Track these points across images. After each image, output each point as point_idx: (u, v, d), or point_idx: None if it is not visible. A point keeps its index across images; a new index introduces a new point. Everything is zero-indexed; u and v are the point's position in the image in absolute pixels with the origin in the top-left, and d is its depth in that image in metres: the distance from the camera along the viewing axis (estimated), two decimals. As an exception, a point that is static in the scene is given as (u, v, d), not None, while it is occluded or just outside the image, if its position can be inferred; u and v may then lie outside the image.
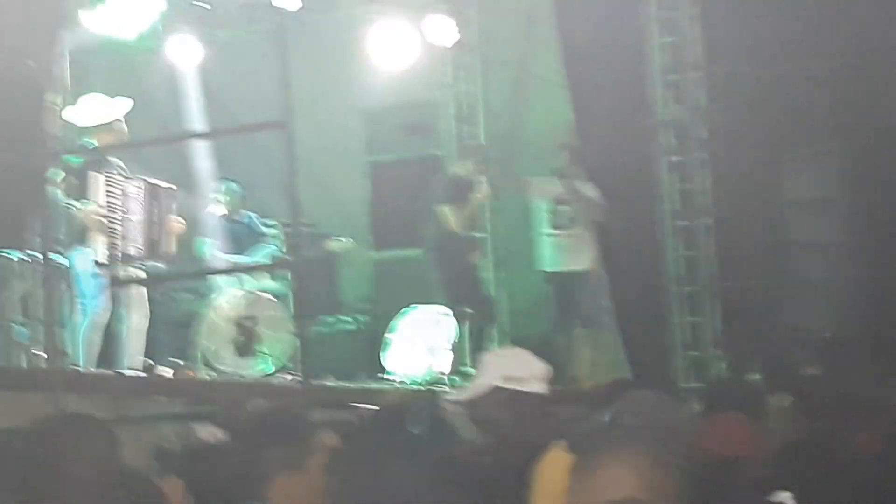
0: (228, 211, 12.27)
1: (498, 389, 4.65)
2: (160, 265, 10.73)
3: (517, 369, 4.72)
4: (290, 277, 11.67)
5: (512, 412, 4.69)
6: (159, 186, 10.48)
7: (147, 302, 10.45)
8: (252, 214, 12.54)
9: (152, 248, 10.34)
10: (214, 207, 12.24)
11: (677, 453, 2.80)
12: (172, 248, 10.59)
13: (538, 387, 4.79)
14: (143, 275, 10.45)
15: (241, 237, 12.27)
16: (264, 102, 10.04)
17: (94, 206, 9.98)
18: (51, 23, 10.22)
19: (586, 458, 2.94)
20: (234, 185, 12.34)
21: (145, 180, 10.41)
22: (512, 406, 4.73)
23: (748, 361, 10.63)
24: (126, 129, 10.34)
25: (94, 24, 11.87)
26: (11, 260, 9.62)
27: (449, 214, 11.93)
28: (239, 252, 12.06)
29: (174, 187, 10.71)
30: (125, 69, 13.54)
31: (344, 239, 12.98)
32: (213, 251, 11.99)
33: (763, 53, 13.26)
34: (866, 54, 13.09)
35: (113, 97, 10.76)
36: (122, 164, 10.30)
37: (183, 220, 10.72)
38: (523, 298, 13.43)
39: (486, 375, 4.79)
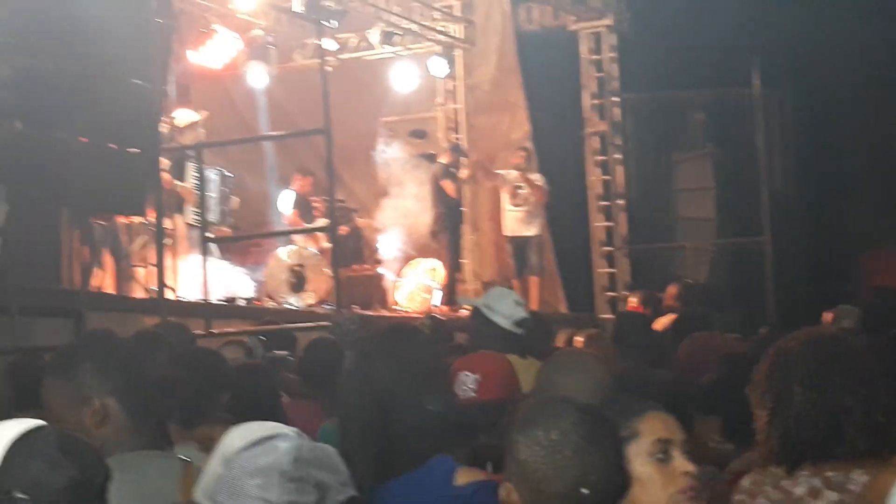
0: (306, 192, 13.13)
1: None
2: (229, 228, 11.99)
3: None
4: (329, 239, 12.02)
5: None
6: (225, 173, 11.84)
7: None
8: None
9: (224, 215, 11.74)
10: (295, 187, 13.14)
11: None
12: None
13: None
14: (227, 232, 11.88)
15: (310, 212, 12.86)
16: (311, 116, 10.53)
17: (188, 184, 11.35)
18: (163, 55, 11.32)
19: None
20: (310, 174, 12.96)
21: (218, 169, 11.76)
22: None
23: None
24: (203, 131, 11.86)
25: (194, 57, 13.43)
26: (134, 223, 10.84)
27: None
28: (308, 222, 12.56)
29: (231, 174, 11.92)
30: (214, 88, 14.59)
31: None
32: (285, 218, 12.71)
33: (660, 84, 14.83)
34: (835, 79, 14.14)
35: (202, 110, 12.31)
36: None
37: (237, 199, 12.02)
38: (490, 256, 14.66)
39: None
